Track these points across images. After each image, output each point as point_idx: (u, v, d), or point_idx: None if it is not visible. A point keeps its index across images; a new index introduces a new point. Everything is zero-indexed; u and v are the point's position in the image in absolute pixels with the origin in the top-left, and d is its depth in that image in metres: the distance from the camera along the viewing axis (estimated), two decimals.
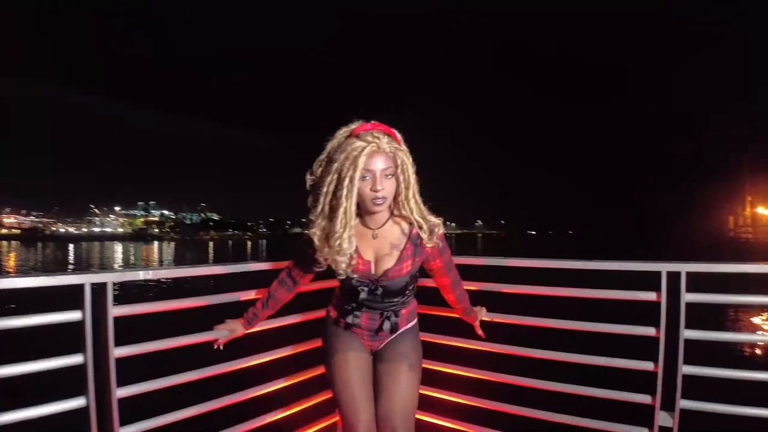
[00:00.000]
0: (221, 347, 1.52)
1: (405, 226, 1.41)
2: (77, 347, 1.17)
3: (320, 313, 1.82)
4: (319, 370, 1.84)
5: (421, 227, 1.37)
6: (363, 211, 1.36)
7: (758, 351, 6.16)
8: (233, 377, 1.63)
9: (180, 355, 1.49)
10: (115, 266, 24.88)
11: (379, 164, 1.28)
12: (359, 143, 1.26)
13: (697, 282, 1.58)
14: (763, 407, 1.46)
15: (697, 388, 1.56)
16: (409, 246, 1.40)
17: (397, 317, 1.48)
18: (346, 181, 1.25)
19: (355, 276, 1.38)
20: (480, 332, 1.76)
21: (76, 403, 1.17)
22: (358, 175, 1.25)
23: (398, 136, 1.33)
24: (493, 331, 1.80)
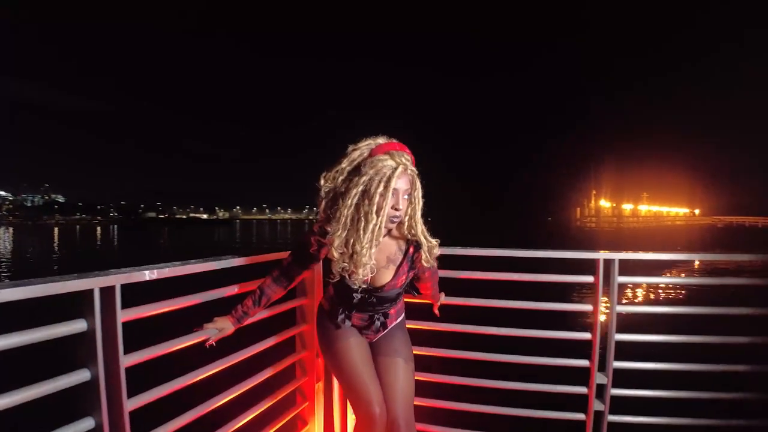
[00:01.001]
0: (213, 345, 1.45)
1: (402, 243, 1.50)
2: (81, 361, 1.03)
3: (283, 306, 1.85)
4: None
5: (420, 246, 1.46)
6: None
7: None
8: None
9: (167, 358, 1.38)
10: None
11: (403, 185, 1.34)
12: (391, 162, 1.32)
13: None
14: (679, 363, 1.87)
15: (626, 352, 1.92)
16: (405, 263, 1.50)
17: (387, 318, 1.58)
18: (377, 198, 1.30)
19: (355, 285, 1.43)
20: (437, 312, 1.92)
21: (86, 424, 1.03)
22: (390, 194, 1.30)
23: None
24: (452, 314, 1.98)
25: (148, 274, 1.17)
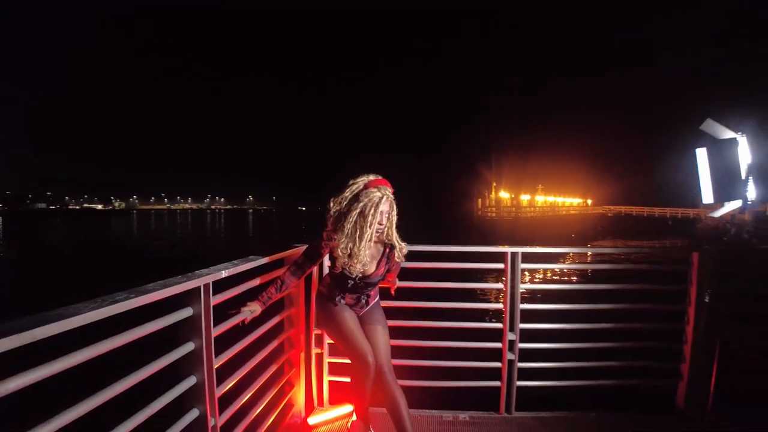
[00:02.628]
0: (246, 323, 1.98)
1: (380, 246, 2.17)
2: (185, 337, 1.52)
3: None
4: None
5: (395, 248, 2.16)
6: None
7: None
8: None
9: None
10: None
11: (386, 208, 2.04)
12: (378, 194, 2.00)
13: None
14: (566, 323, 2.75)
15: (528, 317, 2.77)
16: (384, 260, 2.17)
17: (368, 297, 2.25)
18: (370, 218, 1.98)
19: (352, 275, 2.08)
20: (393, 293, 2.59)
21: (193, 379, 1.52)
22: (378, 215, 1.99)
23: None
24: (405, 295, 2.67)
25: (224, 273, 1.68)
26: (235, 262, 1.92)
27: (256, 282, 2.08)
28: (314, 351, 2.75)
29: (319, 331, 2.75)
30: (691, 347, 2.77)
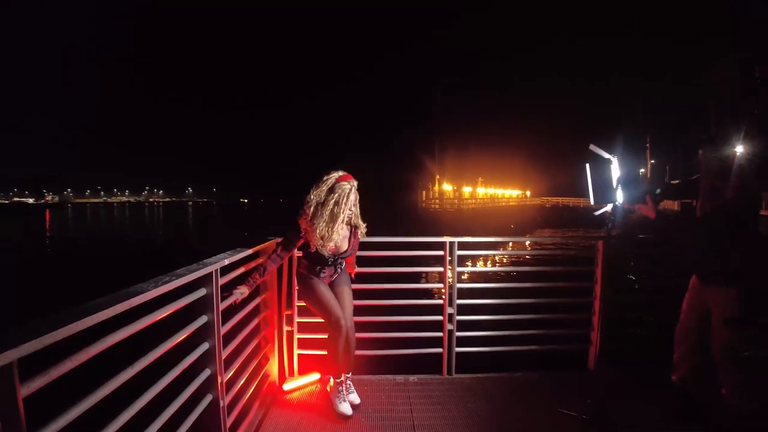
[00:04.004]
0: (237, 302, 2.43)
1: (347, 228, 2.73)
2: (200, 312, 1.96)
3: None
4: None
5: (358, 227, 2.73)
6: None
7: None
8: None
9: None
10: None
11: (354, 197, 2.61)
12: (347, 186, 2.56)
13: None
14: (496, 299, 3.40)
15: (464, 294, 3.40)
16: (351, 238, 2.75)
17: (342, 266, 2.82)
18: (342, 205, 2.53)
19: (327, 252, 2.62)
20: (353, 276, 3.12)
21: (206, 345, 1.97)
22: (349, 203, 2.56)
23: None
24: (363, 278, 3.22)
25: (227, 261, 2.14)
26: (229, 252, 2.36)
27: (241, 270, 2.52)
28: (285, 329, 3.23)
29: (290, 312, 3.22)
30: (597, 317, 3.45)
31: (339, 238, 2.65)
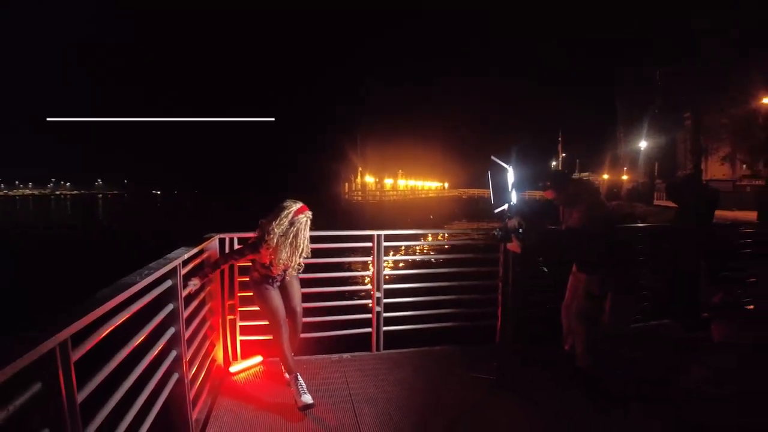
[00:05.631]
0: (191, 292, 2.72)
1: None
2: (167, 301, 2.25)
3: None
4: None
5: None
6: None
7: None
8: None
9: None
10: None
11: (308, 227, 2.98)
12: (304, 218, 2.93)
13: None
14: (417, 283, 3.97)
15: (390, 280, 3.94)
16: None
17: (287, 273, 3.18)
18: (301, 236, 2.92)
19: (279, 272, 3.02)
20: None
21: (172, 330, 2.27)
22: (307, 234, 2.95)
23: None
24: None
25: (186, 256, 2.44)
26: (185, 248, 2.65)
27: (197, 262, 2.83)
28: (228, 317, 3.54)
29: (232, 301, 3.55)
30: (504, 298, 3.94)
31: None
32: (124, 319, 1.69)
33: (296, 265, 3.01)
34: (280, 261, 2.90)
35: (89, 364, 1.49)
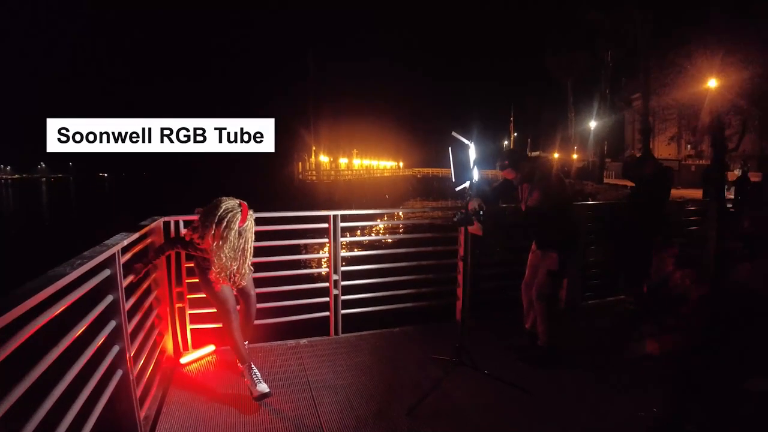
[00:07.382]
0: (133, 281, 2.57)
1: None
2: (106, 292, 2.09)
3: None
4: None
5: None
6: None
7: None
8: None
9: None
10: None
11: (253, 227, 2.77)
12: (251, 224, 2.70)
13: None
14: (374, 265, 3.93)
15: (347, 261, 3.89)
16: None
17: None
18: (250, 245, 2.73)
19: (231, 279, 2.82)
20: None
21: (113, 324, 2.11)
22: (252, 240, 2.75)
23: None
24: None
25: (126, 242, 2.26)
26: (125, 234, 2.46)
27: (137, 248, 2.65)
28: (177, 306, 3.37)
29: (180, 289, 3.37)
30: (462, 276, 4.09)
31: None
32: (53, 315, 1.53)
33: (248, 268, 2.80)
34: (228, 272, 2.66)
35: (14, 368, 1.35)
